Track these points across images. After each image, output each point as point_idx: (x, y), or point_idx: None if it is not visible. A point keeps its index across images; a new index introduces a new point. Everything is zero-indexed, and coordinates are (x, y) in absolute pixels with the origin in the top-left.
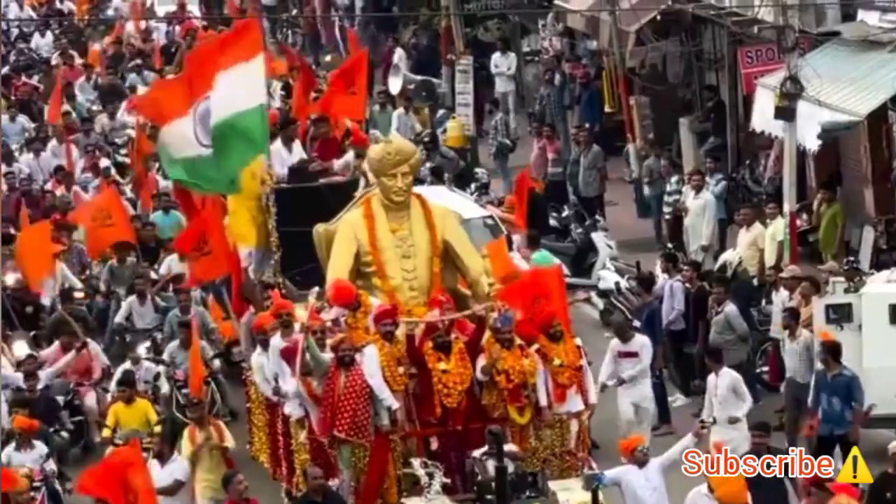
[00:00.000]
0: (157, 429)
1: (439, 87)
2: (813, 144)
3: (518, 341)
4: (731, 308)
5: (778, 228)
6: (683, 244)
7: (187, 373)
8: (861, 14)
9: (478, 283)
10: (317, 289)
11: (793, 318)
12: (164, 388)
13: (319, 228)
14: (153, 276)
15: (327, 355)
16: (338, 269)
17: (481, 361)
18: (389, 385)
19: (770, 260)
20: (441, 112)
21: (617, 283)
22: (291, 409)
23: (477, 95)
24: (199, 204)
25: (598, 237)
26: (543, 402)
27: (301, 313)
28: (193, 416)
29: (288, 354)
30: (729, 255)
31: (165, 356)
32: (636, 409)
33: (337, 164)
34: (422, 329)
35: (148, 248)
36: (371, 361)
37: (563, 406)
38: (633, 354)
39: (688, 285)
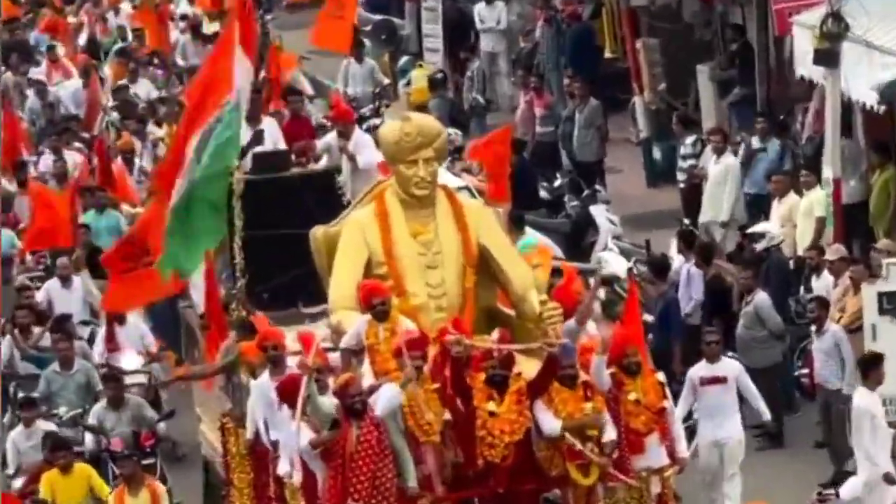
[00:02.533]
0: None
1: (401, 28)
2: (869, 99)
3: (583, 377)
4: (761, 297)
5: (815, 200)
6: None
7: (127, 440)
8: None
9: (524, 300)
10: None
11: (822, 307)
12: None
13: (317, 232)
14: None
15: (330, 400)
16: (342, 284)
17: (545, 411)
18: (416, 437)
19: (804, 239)
20: (404, 59)
21: (630, 269)
22: (289, 469)
23: (449, 39)
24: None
25: (597, 211)
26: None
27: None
28: (124, 471)
29: (285, 392)
30: (770, 228)
31: (91, 419)
32: (721, 452)
33: (317, 146)
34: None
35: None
36: (386, 403)
37: (639, 460)
38: (722, 380)
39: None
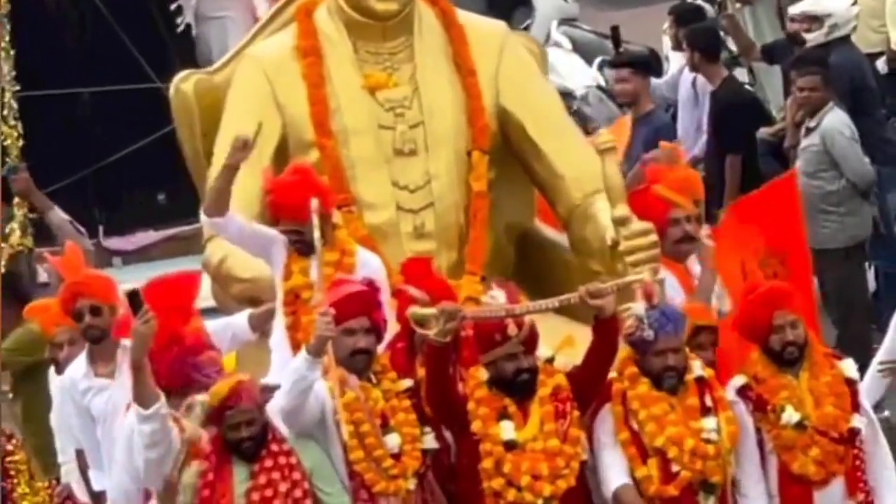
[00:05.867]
0: None
1: None
2: None
3: (697, 370)
4: (833, 121)
5: None
6: None
7: None
8: None
9: (586, 216)
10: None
11: None
12: None
13: (183, 84)
14: None
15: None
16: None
17: (607, 440)
18: (366, 482)
19: None
20: None
21: (599, 87)
22: None
23: None
24: None
25: None
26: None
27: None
28: None
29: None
30: (833, 3)
31: None
32: None
33: None
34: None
35: None
36: (293, 399)
37: None
38: None
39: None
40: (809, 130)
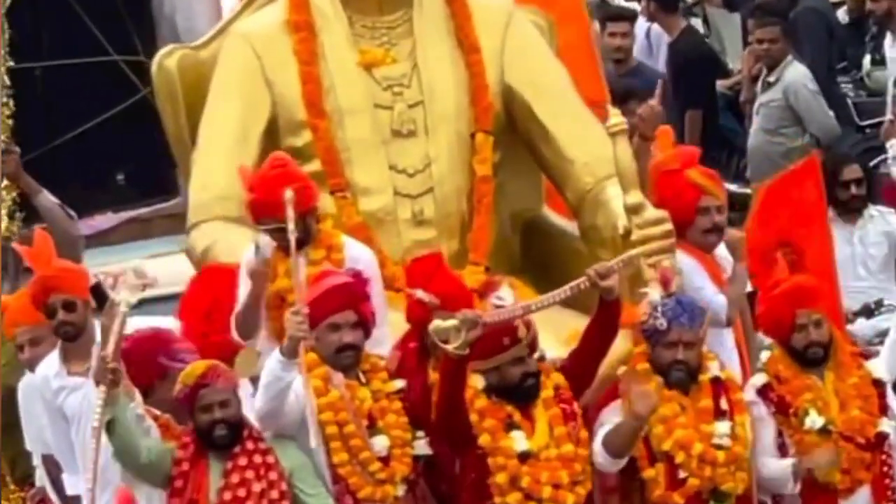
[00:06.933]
0: None
1: None
2: None
3: (714, 370)
4: (796, 74)
5: None
6: None
7: None
8: None
9: (597, 202)
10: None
11: None
12: None
13: (168, 60)
14: None
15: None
16: (214, 169)
17: (611, 416)
18: (350, 487)
19: None
20: None
21: None
22: None
23: None
24: None
25: None
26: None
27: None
28: None
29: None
30: None
31: None
32: None
33: None
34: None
35: None
36: (271, 395)
37: None
38: None
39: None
40: (769, 85)
